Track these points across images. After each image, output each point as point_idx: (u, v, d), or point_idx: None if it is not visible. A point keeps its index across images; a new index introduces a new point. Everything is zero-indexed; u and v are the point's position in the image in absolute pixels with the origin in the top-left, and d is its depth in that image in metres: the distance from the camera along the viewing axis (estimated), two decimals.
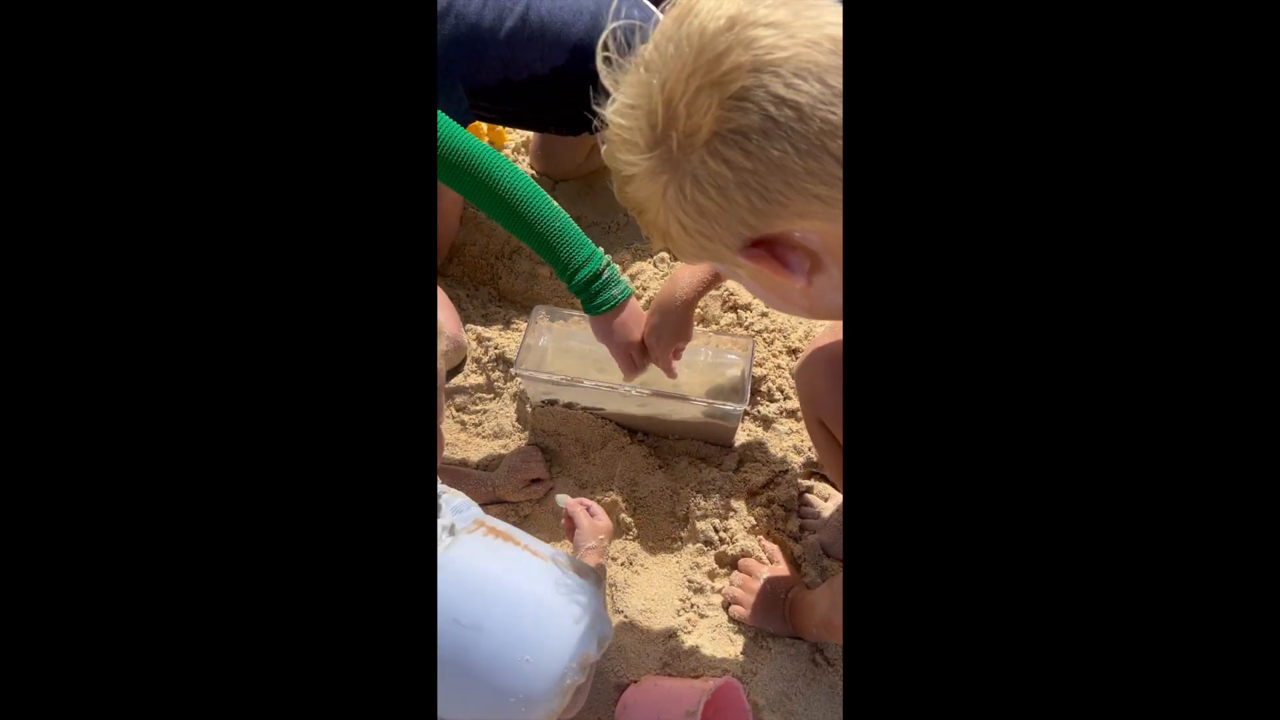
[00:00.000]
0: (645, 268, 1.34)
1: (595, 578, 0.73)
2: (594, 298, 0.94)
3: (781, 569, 0.99)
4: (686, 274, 0.95)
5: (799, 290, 0.56)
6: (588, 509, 0.86)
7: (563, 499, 0.86)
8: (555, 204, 0.92)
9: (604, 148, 0.54)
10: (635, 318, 0.98)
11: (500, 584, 0.65)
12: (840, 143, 0.47)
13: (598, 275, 0.93)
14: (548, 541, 1.04)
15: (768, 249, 0.52)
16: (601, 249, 0.96)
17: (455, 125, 0.90)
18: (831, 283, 0.55)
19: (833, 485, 1.09)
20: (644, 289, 1.31)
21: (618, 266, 0.97)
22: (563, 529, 0.97)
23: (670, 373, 1.00)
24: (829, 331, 0.91)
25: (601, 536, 0.84)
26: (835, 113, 0.46)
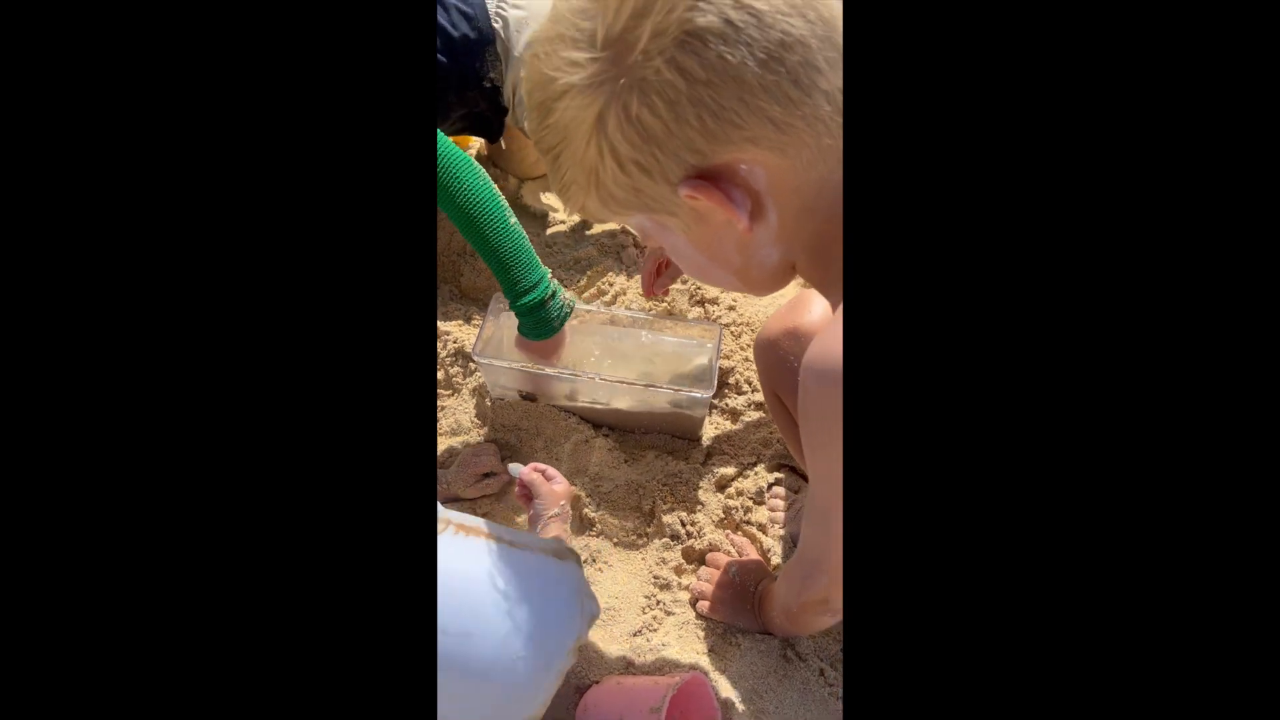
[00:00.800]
0: (611, 264, 1.31)
1: (575, 556, 0.70)
2: (535, 326, 0.95)
3: (751, 562, 0.94)
4: None
5: (736, 242, 0.53)
6: (544, 474, 0.82)
7: (516, 468, 0.82)
8: (514, 220, 0.92)
9: (533, 53, 0.49)
10: (558, 344, 0.99)
11: (483, 585, 0.60)
12: (798, 57, 0.44)
13: (542, 303, 0.94)
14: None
15: (712, 182, 0.48)
16: (549, 271, 0.96)
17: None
18: (770, 234, 0.52)
19: (798, 471, 1.05)
20: (610, 284, 1.27)
21: (564, 291, 0.98)
22: (518, 503, 0.94)
23: (648, 285, 0.99)
24: (787, 306, 0.89)
25: (563, 502, 0.80)
26: (793, 25, 0.43)
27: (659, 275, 0.99)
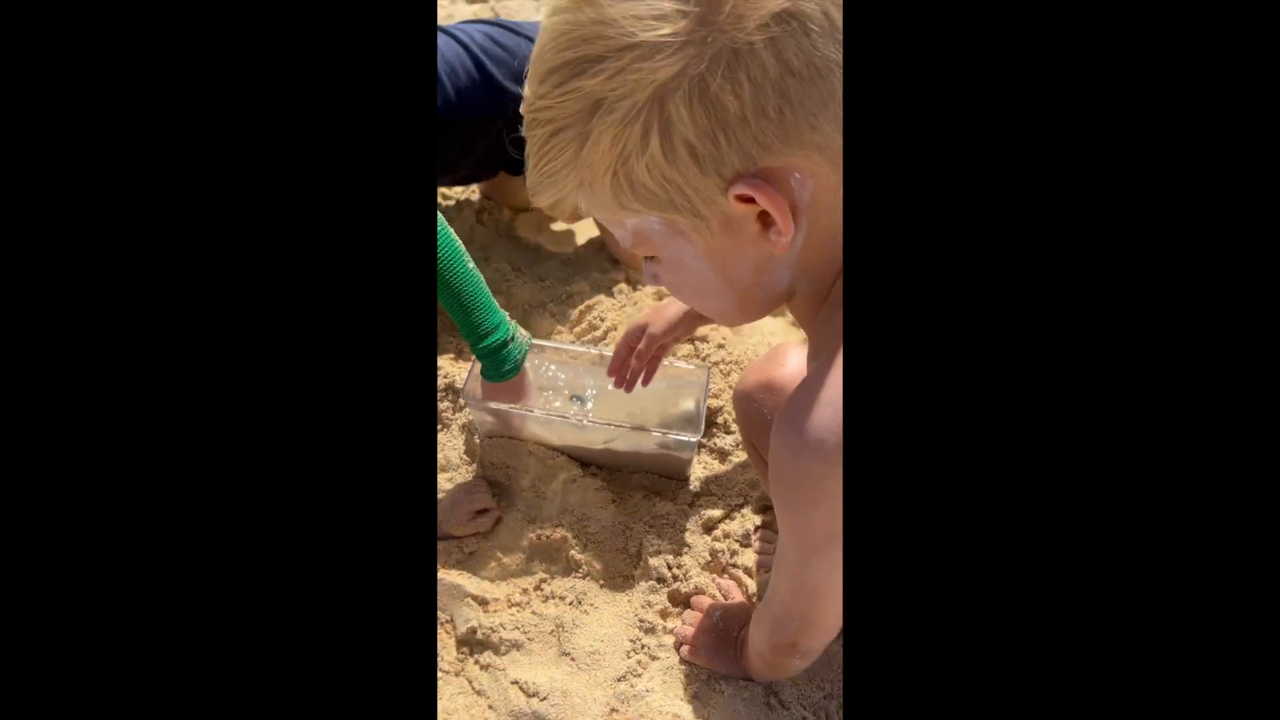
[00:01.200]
0: (603, 299, 1.32)
1: None
2: (498, 366, 0.99)
3: (735, 605, 0.95)
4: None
5: (755, 259, 0.49)
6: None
7: None
8: (473, 267, 0.95)
9: (597, 11, 0.40)
10: (521, 384, 1.02)
11: None
12: None
13: (504, 345, 0.97)
14: (494, 580, 1.00)
15: (767, 182, 0.43)
16: (507, 314, 0.98)
17: None
18: (793, 254, 0.49)
19: None
20: (601, 319, 1.28)
21: (520, 330, 1.01)
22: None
23: (616, 367, 0.97)
24: (764, 358, 0.90)
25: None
26: None
27: (627, 359, 0.95)
